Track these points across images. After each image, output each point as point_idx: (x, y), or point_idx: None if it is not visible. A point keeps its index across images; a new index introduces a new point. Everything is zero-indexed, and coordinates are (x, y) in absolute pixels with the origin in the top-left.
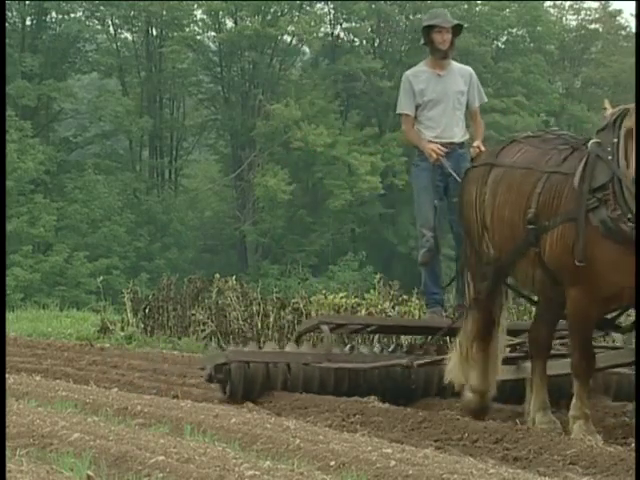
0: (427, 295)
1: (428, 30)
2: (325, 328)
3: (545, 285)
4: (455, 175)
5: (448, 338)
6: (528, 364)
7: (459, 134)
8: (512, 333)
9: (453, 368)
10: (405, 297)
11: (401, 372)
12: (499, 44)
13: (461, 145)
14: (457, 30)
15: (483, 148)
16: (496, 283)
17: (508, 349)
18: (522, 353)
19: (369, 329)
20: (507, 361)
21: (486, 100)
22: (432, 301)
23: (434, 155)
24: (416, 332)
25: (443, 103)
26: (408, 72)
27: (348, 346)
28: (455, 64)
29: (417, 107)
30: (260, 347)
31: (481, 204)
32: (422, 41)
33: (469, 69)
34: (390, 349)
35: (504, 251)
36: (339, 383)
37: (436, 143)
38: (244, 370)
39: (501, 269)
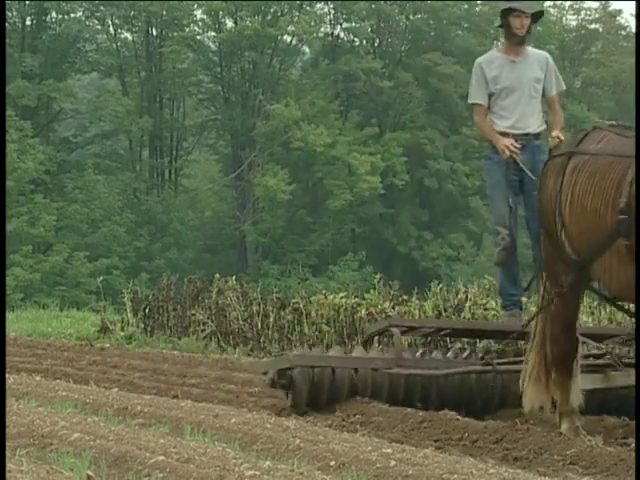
0: (504, 297)
1: (506, 13)
2: (395, 331)
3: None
4: (528, 171)
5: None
6: (617, 373)
7: (535, 124)
8: (597, 338)
9: (529, 392)
10: (405, 297)
11: (477, 379)
12: (499, 44)
13: (537, 136)
14: (537, 16)
15: (562, 138)
16: (574, 283)
17: (584, 356)
18: (609, 361)
19: (441, 333)
20: (592, 369)
21: (564, 88)
22: (509, 303)
23: (507, 152)
24: (492, 336)
25: (518, 91)
26: (480, 59)
27: (419, 351)
28: (531, 49)
29: (490, 96)
30: (325, 351)
31: (557, 194)
32: (497, 23)
33: (546, 54)
34: (464, 354)
35: (585, 245)
36: (410, 391)
37: (510, 134)
38: (309, 375)
39: (580, 266)
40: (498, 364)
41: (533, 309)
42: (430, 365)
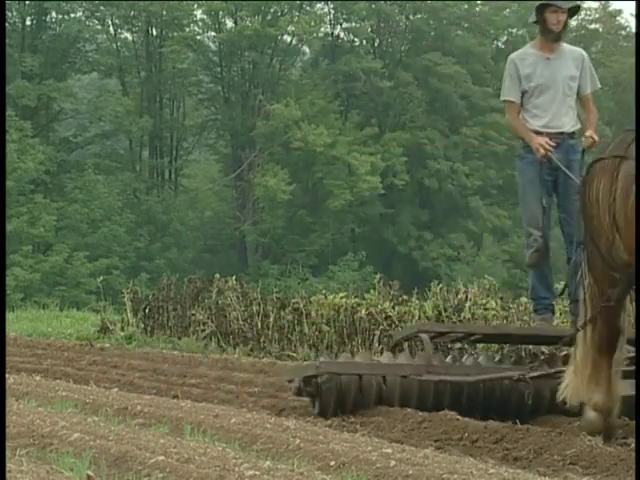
0: (536, 300)
1: (542, 8)
2: (425, 337)
3: None
4: (566, 170)
5: (560, 348)
6: None
7: (569, 123)
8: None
9: (570, 385)
10: (405, 297)
11: (508, 386)
12: (499, 44)
13: (571, 135)
14: (573, 12)
15: (596, 138)
16: (626, 291)
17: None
18: None
19: (472, 338)
20: (630, 375)
21: (599, 86)
22: (541, 307)
23: (542, 150)
24: (525, 341)
25: (552, 89)
26: (513, 55)
27: (449, 357)
28: (566, 46)
29: (523, 94)
30: (350, 357)
31: (611, 202)
32: (532, 19)
33: (581, 51)
34: (495, 360)
35: None
36: (439, 398)
37: (543, 134)
38: (336, 383)
39: (633, 275)
40: (532, 369)
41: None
42: (461, 371)
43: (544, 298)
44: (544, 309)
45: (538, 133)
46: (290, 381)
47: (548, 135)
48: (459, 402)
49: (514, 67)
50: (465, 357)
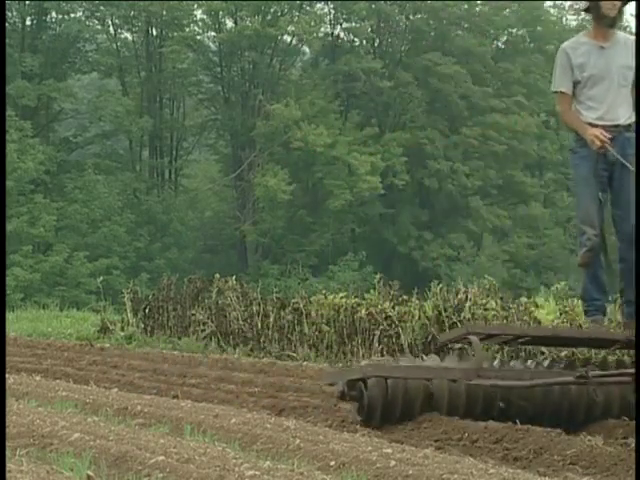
0: (587, 301)
1: None
2: (474, 339)
3: None
4: (627, 163)
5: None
6: None
7: (625, 115)
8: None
9: None
10: (405, 297)
11: (561, 391)
12: (499, 44)
13: (627, 128)
14: None
15: None
16: None
17: None
18: None
19: (521, 340)
20: None
21: None
22: (592, 308)
23: (597, 142)
24: (578, 344)
25: (607, 80)
26: (565, 44)
27: (496, 360)
28: (621, 34)
29: (576, 84)
30: (394, 360)
31: None
32: (582, 6)
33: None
34: (546, 363)
35: None
36: (489, 403)
37: (598, 126)
38: (383, 387)
39: None
40: (586, 373)
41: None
42: (514, 376)
43: (596, 299)
44: (595, 311)
45: (593, 126)
46: (332, 384)
47: (603, 128)
48: (509, 409)
49: (566, 57)
50: (513, 361)
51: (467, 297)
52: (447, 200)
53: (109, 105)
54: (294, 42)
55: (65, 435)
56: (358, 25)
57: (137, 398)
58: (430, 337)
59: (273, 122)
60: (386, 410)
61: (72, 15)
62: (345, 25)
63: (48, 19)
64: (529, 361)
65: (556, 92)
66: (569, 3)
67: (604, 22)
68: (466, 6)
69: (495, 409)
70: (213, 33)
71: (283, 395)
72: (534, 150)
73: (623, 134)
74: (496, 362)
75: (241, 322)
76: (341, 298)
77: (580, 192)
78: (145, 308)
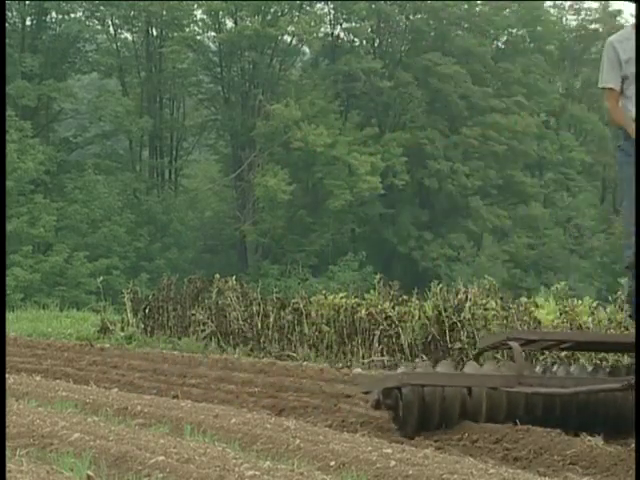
0: (635, 305)
1: None
2: (515, 345)
3: None
4: None
5: None
6: None
7: None
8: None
9: None
10: (405, 297)
11: (605, 398)
12: (499, 44)
13: None
14: None
15: None
16: None
17: None
18: None
19: (562, 346)
20: None
21: None
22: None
23: None
24: (624, 350)
25: None
26: (613, 37)
27: (538, 366)
28: None
29: (623, 80)
30: (430, 366)
31: None
32: None
33: None
34: (589, 370)
35: None
36: (531, 411)
37: None
38: (419, 395)
39: None
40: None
41: None
42: (556, 383)
43: None
44: None
45: None
46: (366, 392)
47: None
48: (552, 416)
49: (613, 51)
50: (556, 367)
51: (467, 297)
52: (447, 200)
53: (109, 105)
54: (294, 42)
55: (65, 435)
56: (358, 25)
57: (137, 398)
58: (430, 337)
59: (273, 122)
60: (422, 419)
61: (72, 15)
62: (345, 25)
63: (48, 19)
64: (572, 366)
65: (604, 88)
66: (569, 3)
67: None
68: (466, 6)
69: (537, 417)
70: (213, 33)
71: (283, 395)
72: (534, 150)
73: None
74: (538, 368)
75: (241, 322)
76: (341, 298)
77: (626, 193)
78: (145, 308)
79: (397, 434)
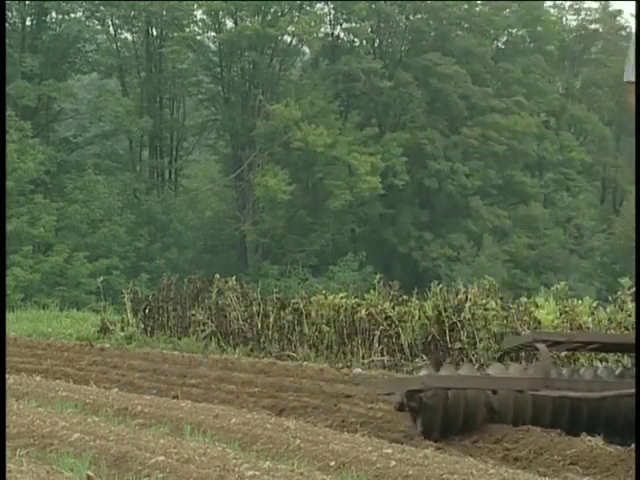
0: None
1: None
2: (542, 347)
3: None
4: None
5: None
6: None
7: None
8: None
9: None
10: (405, 297)
11: (632, 403)
12: (499, 44)
13: None
14: None
15: None
16: None
17: None
18: None
19: (590, 347)
20: None
21: None
22: None
23: None
24: None
25: None
26: None
27: (564, 369)
28: None
29: None
30: (453, 368)
31: None
32: None
33: None
34: (617, 372)
35: None
36: (557, 416)
37: None
38: (443, 398)
39: None
40: None
41: None
42: (584, 386)
43: None
44: None
45: None
46: (388, 394)
47: None
48: (579, 421)
49: None
50: (583, 369)
51: (467, 297)
52: (447, 200)
53: (109, 105)
54: (294, 42)
55: (65, 435)
56: (358, 25)
57: (137, 398)
58: (430, 337)
59: (273, 122)
60: (446, 422)
61: (72, 15)
62: (345, 25)
63: (48, 19)
64: (600, 368)
65: (628, 82)
66: (569, 3)
67: None
68: (466, 6)
69: (564, 420)
70: (213, 33)
71: (283, 395)
72: (534, 150)
73: None
74: (565, 370)
75: (241, 322)
76: (341, 298)
77: None
78: (145, 308)
79: (421, 438)
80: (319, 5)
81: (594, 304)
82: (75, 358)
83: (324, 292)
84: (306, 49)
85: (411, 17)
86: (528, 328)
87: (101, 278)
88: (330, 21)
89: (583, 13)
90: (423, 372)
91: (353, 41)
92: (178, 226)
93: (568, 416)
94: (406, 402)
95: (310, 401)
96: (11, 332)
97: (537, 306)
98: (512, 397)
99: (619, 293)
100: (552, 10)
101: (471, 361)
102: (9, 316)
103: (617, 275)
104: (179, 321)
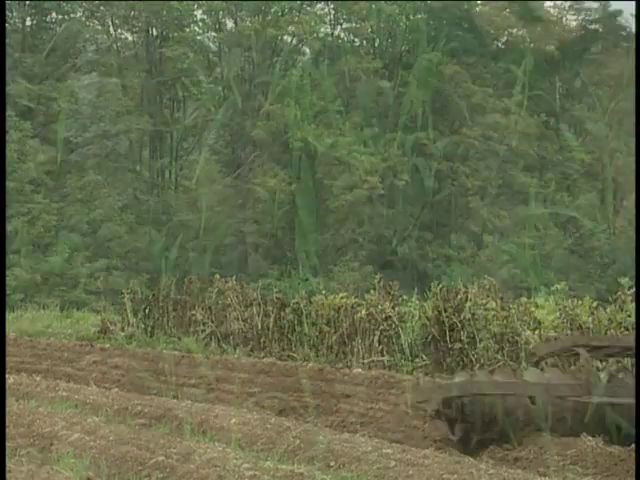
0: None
1: None
2: (583, 353)
3: None
4: None
5: None
6: None
7: None
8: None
9: None
10: (405, 297)
11: None
12: (499, 44)
13: None
14: None
15: None
16: None
17: None
18: None
19: (630, 352)
20: None
21: None
22: None
23: None
24: None
25: None
26: None
27: (603, 374)
28: None
29: None
30: (489, 375)
31: None
32: None
33: None
34: None
35: None
36: (597, 421)
37: None
38: (481, 405)
39: None
40: None
41: None
42: (625, 392)
43: None
44: None
45: None
46: (423, 401)
47: None
48: (620, 427)
49: None
50: (621, 374)
51: (467, 297)
52: (447, 200)
53: (109, 105)
54: (294, 42)
55: (65, 435)
56: (358, 25)
57: (137, 398)
58: (430, 337)
59: (273, 122)
60: (484, 429)
61: (72, 15)
62: (345, 25)
63: (48, 19)
64: None
65: None
66: (569, 3)
67: None
68: (466, 6)
69: (606, 427)
70: (213, 33)
71: (283, 395)
72: (534, 150)
73: None
74: (603, 375)
75: (241, 322)
76: (341, 298)
77: None
78: (145, 308)
79: (456, 447)
80: (319, 5)
81: (594, 304)
82: (75, 358)
83: (324, 292)
84: (306, 49)
85: (411, 17)
86: (528, 328)
87: (101, 278)
88: (330, 21)
89: (583, 13)
90: (458, 378)
91: (353, 41)
92: (178, 226)
93: (610, 422)
94: (442, 409)
95: (310, 401)
96: (11, 332)
97: (537, 306)
98: (552, 403)
99: (619, 293)
100: (552, 10)
101: (471, 361)
102: (9, 316)
103: (617, 275)
104: (179, 321)
